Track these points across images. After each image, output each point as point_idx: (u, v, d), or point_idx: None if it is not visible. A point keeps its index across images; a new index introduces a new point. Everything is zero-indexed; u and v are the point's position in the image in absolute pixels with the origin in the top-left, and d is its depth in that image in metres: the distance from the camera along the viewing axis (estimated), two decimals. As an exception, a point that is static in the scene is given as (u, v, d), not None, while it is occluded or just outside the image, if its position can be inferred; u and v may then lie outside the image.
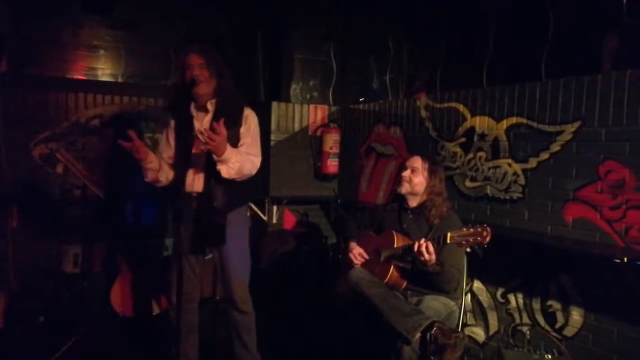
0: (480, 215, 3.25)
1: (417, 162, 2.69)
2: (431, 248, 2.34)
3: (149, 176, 2.57)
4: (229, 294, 2.67)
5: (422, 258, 2.36)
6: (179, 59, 2.55)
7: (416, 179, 2.67)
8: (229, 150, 2.38)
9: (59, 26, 4.05)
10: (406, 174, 2.69)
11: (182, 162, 2.43)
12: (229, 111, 2.52)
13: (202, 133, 2.30)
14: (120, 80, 4.23)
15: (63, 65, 4.08)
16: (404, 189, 2.70)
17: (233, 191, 2.54)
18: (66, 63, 4.09)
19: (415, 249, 2.36)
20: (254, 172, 2.57)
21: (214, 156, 2.37)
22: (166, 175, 2.59)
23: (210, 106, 2.56)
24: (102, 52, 4.18)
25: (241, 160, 2.46)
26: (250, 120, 2.60)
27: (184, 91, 2.42)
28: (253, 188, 2.71)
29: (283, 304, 3.94)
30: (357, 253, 2.76)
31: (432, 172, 2.67)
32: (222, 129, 2.29)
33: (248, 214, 2.84)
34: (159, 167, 2.56)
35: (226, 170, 2.44)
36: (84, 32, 4.12)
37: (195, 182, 2.52)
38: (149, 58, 4.29)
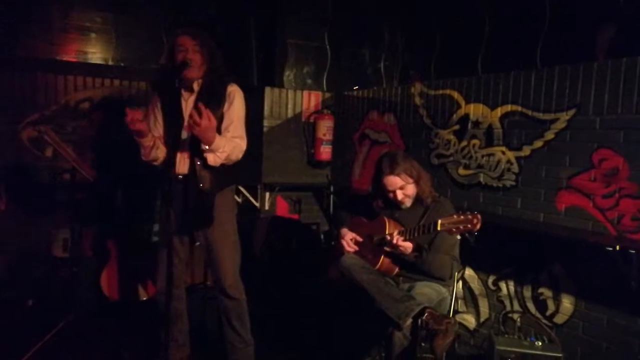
0: (473, 203, 3.25)
1: (396, 182, 2.59)
2: (400, 241, 2.43)
3: (146, 154, 2.51)
4: (219, 281, 2.65)
5: (396, 251, 2.46)
6: (170, 39, 2.50)
7: (409, 191, 2.63)
8: (218, 139, 2.36)
9: (49, 7, 3.97)
10: (400, 196, 2.61)
11: (170, 143, 2.39)
12: (214, 92, 2.50)
13: (190, 117, 2.26)
14: (110, 63, 4.16)
15: (53, 47, 4.01)
16: (408, 203, 2.66)
17: (219, 173, 2.51)
18: (56, 45, 4.02)
19: (387, 242, 2.46)
20: (240, 156, 2.54)
21: (203, 145, 2.35)
22: (162, 152, 2.54)
23: (196, 86, 2.53)
24: (92, 35, 4.11)
25: (229, 148, 2.44)
26: (233, 98, 2.53)
27: (174, 72, 2.37)
28: (240, 169, 2.66)
29: (275, 290, 3.93)
30: (349, 238, 2.75)
31: (409, 171, 2.60)
32: (212, 118, 2.26)
33: (237, 199, 2.80)
34: (153, 144, 2.51)
35: (213, 159, 2.42)
36: (74, 14, 4.04)
37: (181, 164, 2.49)
38: (140, 41, 4.22)
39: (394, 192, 2.61)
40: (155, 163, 2.57)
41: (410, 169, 2.61)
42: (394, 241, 2.44)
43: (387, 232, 2.59)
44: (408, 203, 2.66)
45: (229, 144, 2.43)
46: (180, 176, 2.49)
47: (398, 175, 2.58)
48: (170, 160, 2.36)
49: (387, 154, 2.68)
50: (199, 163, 2.46)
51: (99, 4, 4.11)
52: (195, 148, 2.41)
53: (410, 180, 2.61)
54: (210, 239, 2.61)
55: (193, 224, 2.57)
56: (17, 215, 3.71)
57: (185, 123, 2.43)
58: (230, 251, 2.66)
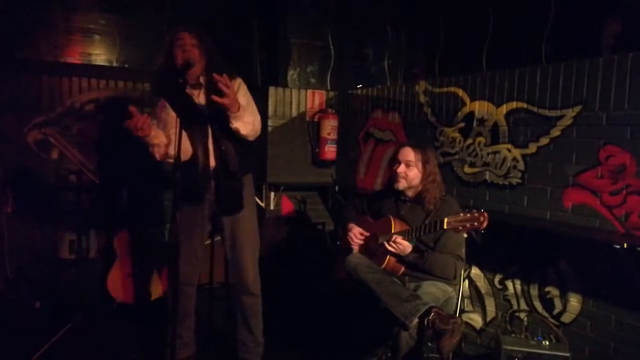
0: (479, 201, 3.23)
1: (409, 154, 2.61)
2: (399, 239, 2.45)
3: (158, 153, 2.50)
4: (241, 277, 2.68)
5: (394, 250, 2.46)
6: (168, 36, 2.52)
7: (411, 173, 2.62)
8: (241, 107, 2.43)
9: (52, 10, 3.98)
10: (401, 170, 2.61)
11: (199, 140, 2.49)
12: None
13: (225, 85, 2.28)
14: (114, 64, 4.17)
15: (57, 50, 4.02)
16: (401, 185, 2.64)
17: (242, 155, 2.60)
18: (60, 48, 4.03)
19: (386, 244, 2.47)
20: (260, 129, 2.61)
21: (230, 113, 2.38)
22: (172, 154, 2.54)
23: (202, 80, 2.55)
24: (96, 36, 4.12)
25: (251, 114, 2.51)
26: (242, 86, 2.60)
27: (177, 72, 2.37)
28: (254, 156, 2.79)
29: (281, 290, 3.93)
30: (357, 232, 2.74)
31: (425, 162, 2.61)
32: (230, 82, 2.31)
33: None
34: (167, 141, 2.50)
35: (243, 126, 2.47)
36: (78, 17, 4.05)
37: (207, 157, 2.54)
38: (144, 42, 4.22)
39: (399, 163, 2.63)
40: (168, 160, 2.54)
41: (427, 162, 2.62)
42: (393, 239, 2.46)
43: (392, 231, 2.58)
44: (401, 184, 2.64)
45: (248, 112, 2.49)
46: (210, 168, 2.56)
47: (414, 151, 2.61)
48: (199, 156, 2.47)
49: (423, 140, 2.74)
50: (223, 148, 2.53)
51: (102, 6, 4.11)
52: (219, 135, 2.51)
53: (420, 167, 2.61)
54: (234, 233, 2.66)
55: (226, 210, 2.63)
56: (23, 217, 3.74)
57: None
58: (252, 246, 2.71)
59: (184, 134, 2.50)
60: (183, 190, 2.46)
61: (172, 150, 2.48)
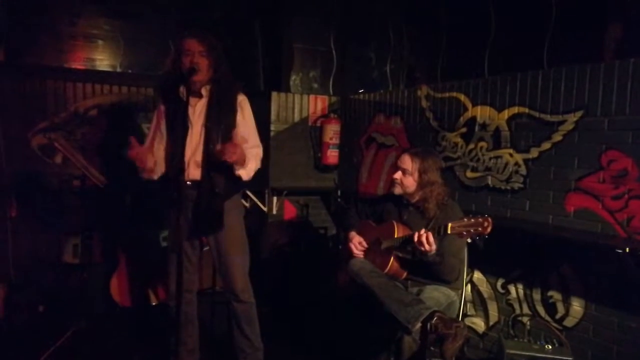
0: (481, 206, 3.23)
1: (406, 162, 2.62)
2: (431, 238, 2.32)
3: (145, 175, 2.55)
4: (229, 284, 2.66)
5: (422, 248, 2.34)
6: (176, 41, 2.50)
7: (406, 181, 2.63)
8: (247, 157, 2.46)
9: (56, 15, 4.01)
10: (397, 176, 2.64)
11: (178, 151, 2.38)
12: (224, 98, 2.52)
13: (219, 151, 2.35)
14: (118, 70, 4.20)
15: (61, 55, 4.05)
16: (397, 190, 2.67)
17: (231, 178, 2.54)
18: (64, 53, 4.06)
19: (415, 239, 2.35)
20: (259, 165, 2.62)
21: (236, 166, 2.43)
22: (160, 169, 2.56)
23: (204, 92, 2.53)
24: (100, 42, 4.15)
25: (255, 160, 2.53)
26: (244, 107, 2.59)
27: (180, 77, 2.37)
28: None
29: (284, 294, 3.94)
30: (357, 242, 2.75)
31: (423, 171, 2.60)
32: (237, 145, 2.37)
33: (245, 203, 2.84)
34: (154, 167, 2.53)
35: (246, 174, 2.50)
36: (82, 22, 4.08)
37: (192, 170, 2.51)
38: (147, 48, 4.25)
39: (396, 168, 2.66)
40: (153, 179, 2.58)
41: (425, 172, 2.59)
42: (423, 238, 2.32)
43: (396, 236, 2.59)
44: (397, 190, 2.66)
45: (251, 155, 2.51)
46: (190, 182, 2.50)
47: (412, 160, 2.61)
48: (177, 168, 2.37)
49: (428, 148, 2.84)
50: (213, 168, 2.49)
51: (106, 11, 4.14)
52: (208, 154, 2.46)
53: (416, 176, 2.61)
54: (220, 244, 2.63)
55: (204, 229, 2.59)
56: (27, 221, 3.75)
57: (192, 130, 2.49)
58: (239, 255, 2.68)
59: (165, 148, 2.53)
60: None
61: (156, 175, 2.55)
